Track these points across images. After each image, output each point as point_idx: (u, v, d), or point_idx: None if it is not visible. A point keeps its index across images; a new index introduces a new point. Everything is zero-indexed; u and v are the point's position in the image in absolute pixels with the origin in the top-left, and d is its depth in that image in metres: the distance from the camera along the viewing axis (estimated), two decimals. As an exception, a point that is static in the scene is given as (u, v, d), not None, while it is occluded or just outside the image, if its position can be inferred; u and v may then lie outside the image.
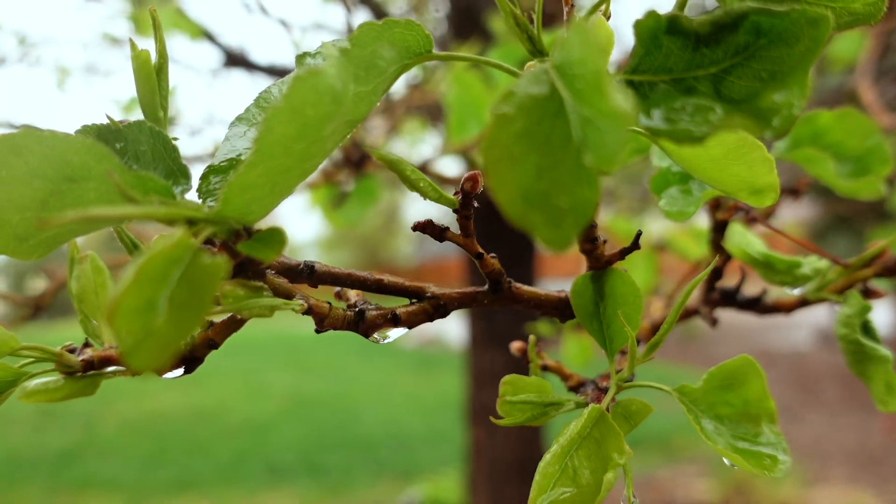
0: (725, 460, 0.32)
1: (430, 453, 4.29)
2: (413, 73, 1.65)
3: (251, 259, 0.27)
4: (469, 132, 1.13)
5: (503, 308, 0.33)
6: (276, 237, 0.24)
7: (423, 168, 1.06)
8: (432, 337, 9.11)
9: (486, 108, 1.20)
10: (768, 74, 0.22)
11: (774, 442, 0.33)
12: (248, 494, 3.78)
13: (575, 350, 1.03)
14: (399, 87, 1.77)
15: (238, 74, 2.62)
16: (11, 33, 2.20)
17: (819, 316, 8.87)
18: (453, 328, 8.72)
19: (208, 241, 0.25)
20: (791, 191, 0.64)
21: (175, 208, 0.22)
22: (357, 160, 0.85)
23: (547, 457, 0.29)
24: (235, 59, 2.49)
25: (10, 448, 4.63)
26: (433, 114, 1.59)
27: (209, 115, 1.85)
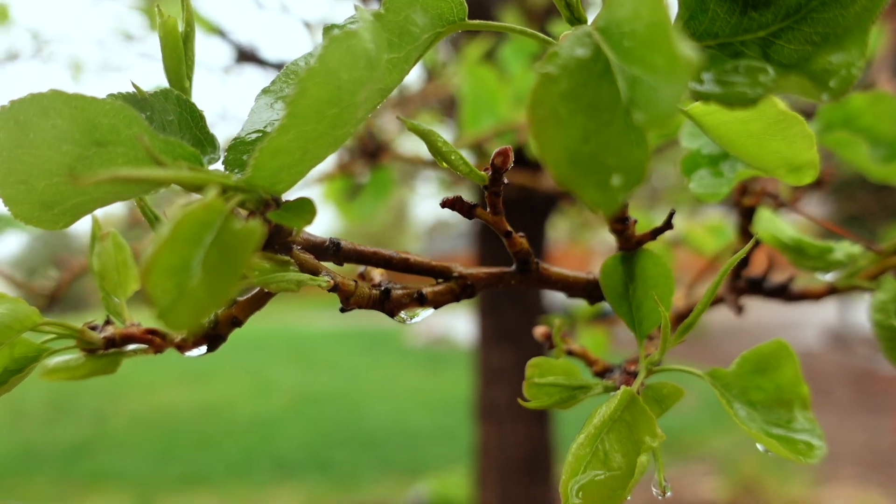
0: (759, 446, 0.31)
1: (438, 450, 4.28)
2: (426, 68, 1.64)
3: (279, 231, 0.26)
4: (482, 125, 1.13)
5: (530, 288, 0.33)
6: (307, 206, 0.24)
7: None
8: (440, 335, 9.11)
9: (500, 101, 1.19)
10: (820, 37, 0.21)
11: (809, 428, 0.32)
12: (255, 489, 3.79)
13: (589, 344, 1.02)
14: (413, 79, 1.76)
15: (249, 71, 2.63)
16: (25, 29, 2.21)
17: (829, 316, 8.80)
18: (461, 326, 8.72)
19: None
20: (815, 182, 0.62)
21: (205, 174, 0.22)
22: (372, 151, 0.85)
23: (579, 439, 0.28)
24: (246, 56, 2.49)
25: (23, 441, 4.66)
26: (446, 108, 1.58)
27: (223, 110, 1.85)
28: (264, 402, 5.74)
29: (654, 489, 0.29)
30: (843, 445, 4.17)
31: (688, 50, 0.15)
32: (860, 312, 8.16)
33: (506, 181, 0.30)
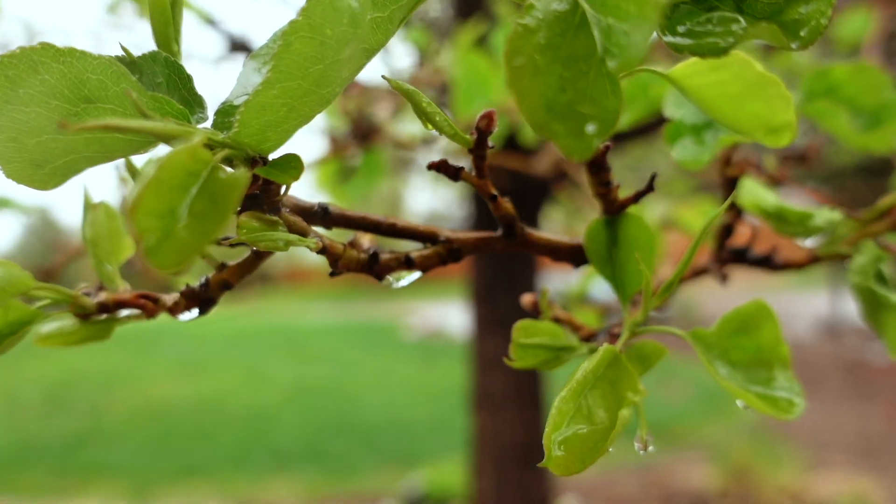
0: (739, 402, 0.32)
1: (432, 440, 4.30)
2: (418, 54, 1.64)
3: (267, 190, 0.26)
4: (475, 110, 1.13)
5: (516, 253, 0.33)
6: (293, 162, 0.24)
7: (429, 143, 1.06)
8: (435, 329, 9.13)
9: (492, 86, 1.20)
10: (792, -9, 0.22)
11: (788, 386, 0.33)
12: (252, 480, 3.80)
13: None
14: (405, 67, 1.76)
15: (242, 61, 2.62)
16: (16, 20, 2.19)
17: (820, 307, 8.85)
18: (455, 319, 8.74)
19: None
20: (799, 157, 0.63)
21: (191, 129, 0.22)
22: (364, 133, 0.85)
23: (562, 394, 0.29)
24: (238, 46, 2.48)
25: (19, 434, 4.66)
26: (439, 94, 1.59)
27: (216, 100, 1.84)
28: (260, 395, 5.75)
29: (636, 444, 0.30)
30: (833, 433, 4.21)
31: (655, -11, 0.16)
32: (851, 304, 8.21)
33: (491, 144, 0.30)
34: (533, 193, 2.16)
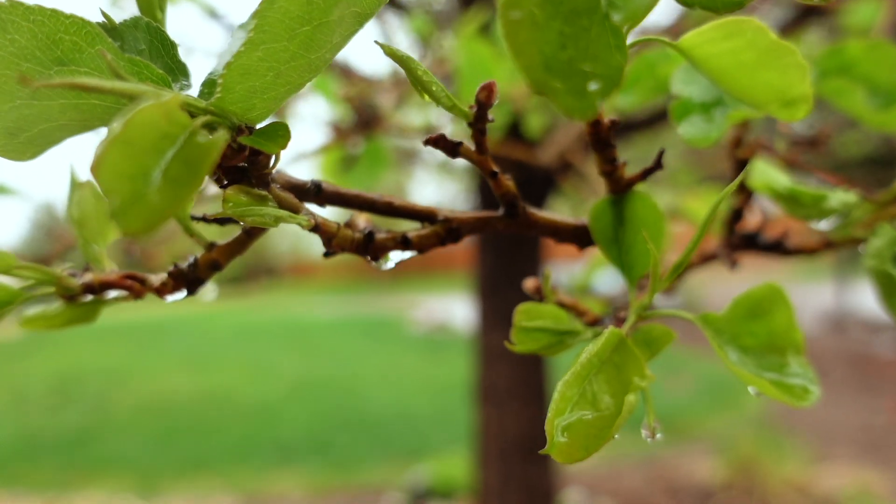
0: (751, 389, 0.31)
1: (437, 433, 4.30)
2: (421, 43, 1.62)
3: (254, 162, 0.25)
4: (478, 98, 1.11)
5: (521, 246, 0.32)
6: (280, 130, 0.23)
7: (431, 131, 1.05)
8: (440, 322, 9.13)
9: (495, 75, 1.18)
10: (811, -57, 0.20)
11: (802, 373, 0.32)
12: (257, 473, 3.81)
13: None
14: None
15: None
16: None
17: (826, 301, 8.80)
18: (460, 313, 8.74)
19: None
20: (810, 142, 0.61)
21: (165, 91, 0.21)
22: (367, 121, 0.84)
23: (565, 378, 0.28)
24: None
25: (25, 428, 4.68)
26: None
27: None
28: (266, 388, 5.76)
29: (643, 431, 0.29)
30: (838, 425, 4.19)
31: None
32: (857, 296, 8.16)
33: (491, 118, 0.29)
34: (538, 185, 2.14)
